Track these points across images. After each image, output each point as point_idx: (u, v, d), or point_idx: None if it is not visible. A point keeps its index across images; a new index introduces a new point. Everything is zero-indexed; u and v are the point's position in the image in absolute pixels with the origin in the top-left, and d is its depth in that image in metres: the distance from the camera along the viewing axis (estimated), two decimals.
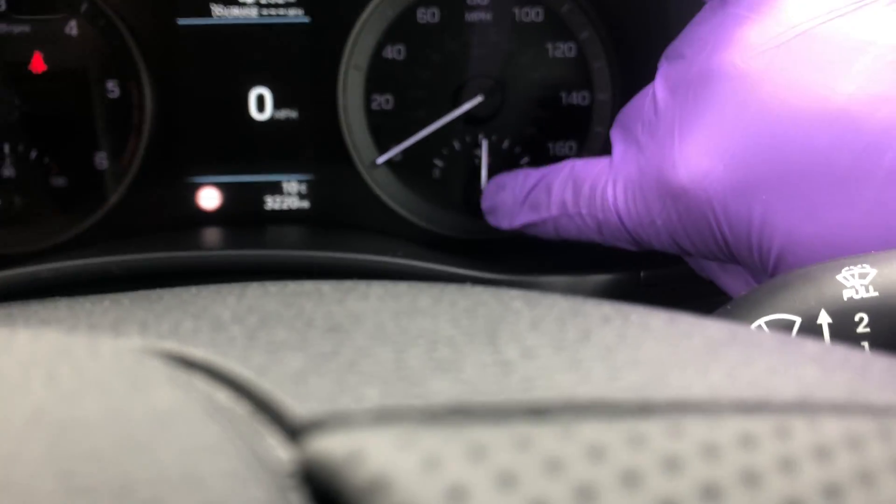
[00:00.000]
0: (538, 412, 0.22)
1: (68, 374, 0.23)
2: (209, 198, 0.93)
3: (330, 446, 0.20)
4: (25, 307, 0.35)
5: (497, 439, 0.20)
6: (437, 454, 0.20)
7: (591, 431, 0.21)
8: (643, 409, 0.22)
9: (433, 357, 0.26)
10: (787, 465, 0.21)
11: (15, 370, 0.23)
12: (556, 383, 0.24)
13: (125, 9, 0.90)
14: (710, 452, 0.21)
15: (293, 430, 0.22)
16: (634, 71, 0.93)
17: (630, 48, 0.92)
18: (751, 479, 0.21)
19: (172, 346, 0.26)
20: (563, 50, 0.92)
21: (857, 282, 0.47)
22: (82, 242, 0.91)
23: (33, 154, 0.91)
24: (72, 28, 0.90)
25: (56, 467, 0.19)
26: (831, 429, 0.23)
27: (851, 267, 0.47)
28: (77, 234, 0.91)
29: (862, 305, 0.46)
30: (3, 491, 0.18)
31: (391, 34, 0.92)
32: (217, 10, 0.91)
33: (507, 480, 0.19)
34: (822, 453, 0.22)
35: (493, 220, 0.83)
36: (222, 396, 0.24)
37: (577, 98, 0.93)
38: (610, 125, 0.93)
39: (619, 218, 0.67)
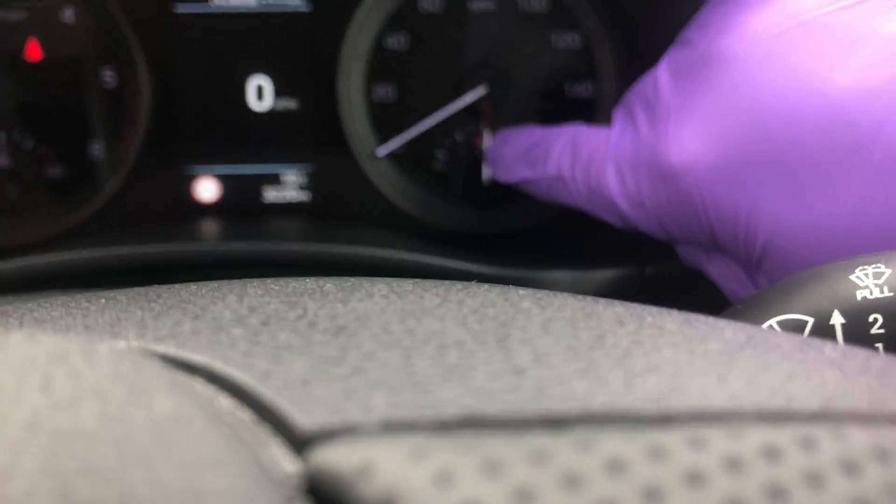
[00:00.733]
0: (554, 424, 0.21)
1: (64, 380, 0.22)
2: (207, 189, 0.92)
3: (337, 459, 0.20)
4: (20, 304, 0.34)
5: (512, 453, 0.20)
6: (450, 469, 0.19)
7: (611, 444, 0.20)
8: (663, 420, 0.22)
9: (442, 362, 0.25)
10: (814, 479, 0.21)
11: (9, 376, 0.22)
12: (572, 392, 0.23)
13: None
14: (733, 466, 0.20)
15: (299, 442, 0.21)
16: (639, 62, 0.92)
17: (635, 39, 0.91)
18: (777, 493, 0.20)
19: (172, 349, 0.26)
20: (567, 40, 0.91)
21: (871, 281, 0.46)
22: (78, 233, 0.90)
23: (28, 143, 0.90)
24: (68, 15, 0.89)
25: (53, 481, 0.18)
26: (857, 439, 0.22)
27: (865, 266, 0.47)
28: (73, 225, 0.90)
29: (876, 306, 0.45)
30: None
31: (393, 23, 0.91)
32: None
33: (523, 497, 0.19)
34: (849, 466, 0.21)
35: (493, 172, 0.83)
36: (224, 402, 0.23)
37: (581, 89, 0.92)
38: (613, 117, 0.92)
39: (610, 193, 0.67)
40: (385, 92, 0.92)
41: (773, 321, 0.47)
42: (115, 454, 0.19)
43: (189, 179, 0.92)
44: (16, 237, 0.90)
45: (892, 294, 0.46)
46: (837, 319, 0.46)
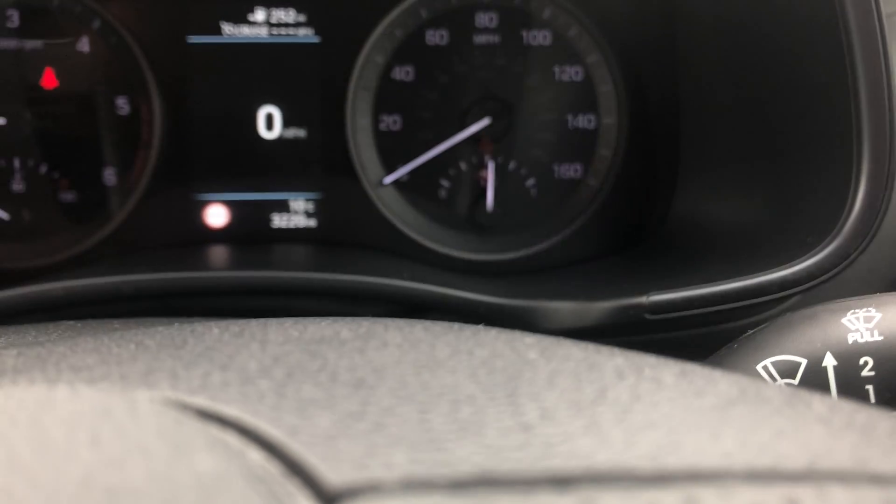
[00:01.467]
0: (560, 483, 0.23)
1: (111, 437, 0.24)
2: (216, 215, 0.94)
3: None
4: (52, 348, 0.36)
5: None
6: None
7: (611, 502, 0.22)
8: (660, 480, 0.24)
9: (456, 418, 0.27)
10: None
11: (59, 431, 0.24)
12: (576, 449, 0.25)
13: (136, 26, 0.91)
14: None
15: (327, 497, 0.23)
16: (641, 95, 0.94)
17: (637, 73, 0.94)
18: None
19: (205, 402, 0.28)
20: (570, 73, 0.94)
21: (862, 325, 0.48)
22: (90, 258, 0.92)
23: (43, 169, 0.92)
24: (83, 45, 0.91)
25: None
26: (838, 500, 0.24)
27: (857, 310, 0.49)
28: (85, 250, 0.92)
29: (867, 349, 0.47)
30: None
31: (400, 55, 0.93)
32: (227, 29, 0.92)
33: None
34: None
35: None
36: (255, 456, 0.25)
37: (584, 121, 0.95)
38: (615, 149, 0.95)
39: None
40: (392, 122, 0.94)
41: (767, 362, 0.49)
42: None
43: (199, 205, 0.94)
44: (30, 260, 0.92)
45: (882, 338, 0.48)
46: (830, 361, 0.48)
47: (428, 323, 0.41)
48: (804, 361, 0.48)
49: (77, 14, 0.91)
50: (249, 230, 0.94)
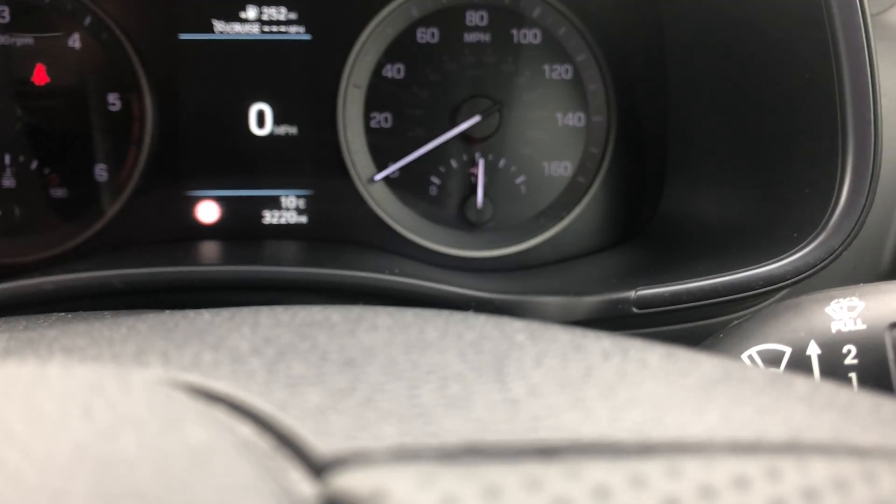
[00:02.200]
0: (546, 452, 0.23)
1: (104, 410, 0.24)
2: (208, 211, 0.94)
3: (353, 484, 0.22)
4: (44, 332, 0.37)
5: (509, 479, 0.22)
6: (455, 494, 0.21)
7: (596, 472, 0.23)
8: (644, 450, 0.24)
9: (444, 394, 0.28)
10: None
11: (52, 405, 0.25)
12: (562, 423, 0.26)
13: (128, 23, 0.91)
14: (706, 493, 0.23)
15: (317, 467, 0.23)
16: (629, 94, 0.95)
17: (625, 72, 0.94)
18: None
19: (196, 379, 0.28)
20: (559, 72, 0.94)
21: (845, 314, 0.49)
22: (81, 253, 0.92)
23: (34, 165, 0.92)
24: (75, 41, 0.91)
25: (103, 502, 0.20)
26: (819, 470, 0.24)
27: (840, 300, 0.49)
28: (76, 245, 0.92)
29: (850, 338, 0.48)
30: None
31: (391, 53, 0.93)
32: (219, 26, 0.92)
33: None
34: (811, 495, 0.24)
35: None
36: (245, 430, 0.26)
37: (573, 119, 0.95)
38: (604, 146, 0.95)
39: None
40: (383, 119, 0.95)
41: (752, 350, 0.49)
42: (156, 479, 0.21)
43: (190, 201, 0.94)
44: (21, 256, 0.92)
45: (865, 326, 0.48)
46: (813, 350, 0.49)
47: (417, 309, 0.41)
48: (789, 350, 0.49)
49: (68, 10, 0.91)
50: (240, 226, 0.95)
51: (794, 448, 0.25)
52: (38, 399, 0.25)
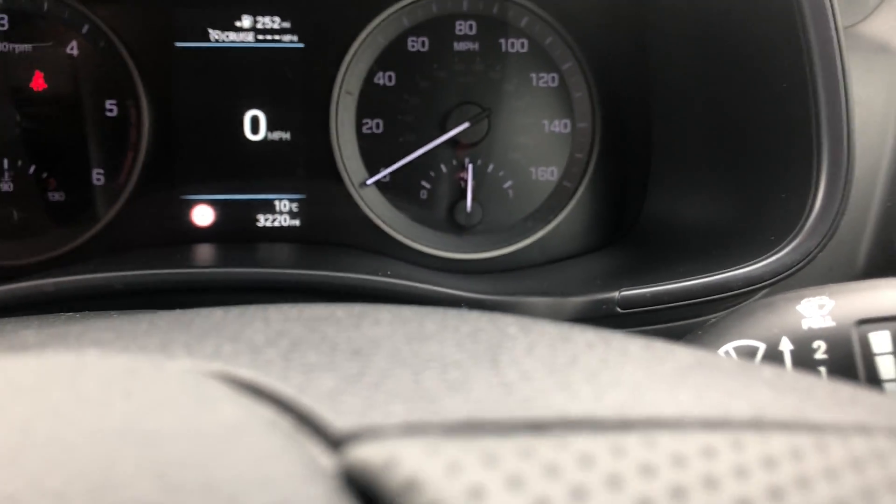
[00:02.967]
0: (537, 427, 0.27)
1: (143, 393, 0.28)
2: (203, 215, 0.97)
3: (368, 454, 0.25)
4: (69, 327, 0.40)
5: (505, 449, 0.25)
6: (458, 461, 0.25)
7: (581, 443, 0.26)
8: (622, 426, 0.27)
9: (445, 379, 0.31)
10: (741, 472, 0.26)
11: (95, 390, 0.28)
12: (551, 402, 0.29)
13: (125, 31, 0.94)
14: (678, 461, 0.26)
15: (334, 441, 0.26)
16: (613, 101, 0.99)
17: (610, 80, 0.98)
18: (710, 483, 0.26)
19: (219, 366, 0.31)
20: (546, 80, 0.98)
21: (815, 312, 0.52)
22: (79, 256, 0.95)
23: (32, 169, 0.95)
24: (73, 48, 0.94)
25: (150, 470, 0.23)
26: (778, 443, 0.28)
27: (811, 298, 0.53)
28: (74, 248, 0.95)
29: (820, 334, 0.51)
30: (110, 490, 0.23)
31: (382, 61, 0.97)
32: (214, 35, 0.96)
33: (514, 483, 0.24)
34: (770, 462, 0.27)
35: None
36: (266, 412, 0.29)
37: (559, 126, 0.99)
38: (589, 152, 0.99)
39: None
40: (374, 125, 0.98)
41: (728, 346, 0.53)
42: (196, 450, 0.24)
43: (186, 205, 0.97)
44: (20, 259, 0.95)
45: (834, 323, 0.52)
46: (786, 346, 0.52)
47: (415, 306, 0.44)
48: (763, 346, 0.53)
49: (66, 19, 0.94)
50: (235, 229, 0.98)
51: (757, 424, 0.29)
52: (80, 382, 0.28)
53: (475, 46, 0.97)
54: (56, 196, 0.96)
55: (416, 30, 0.97)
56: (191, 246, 0.96)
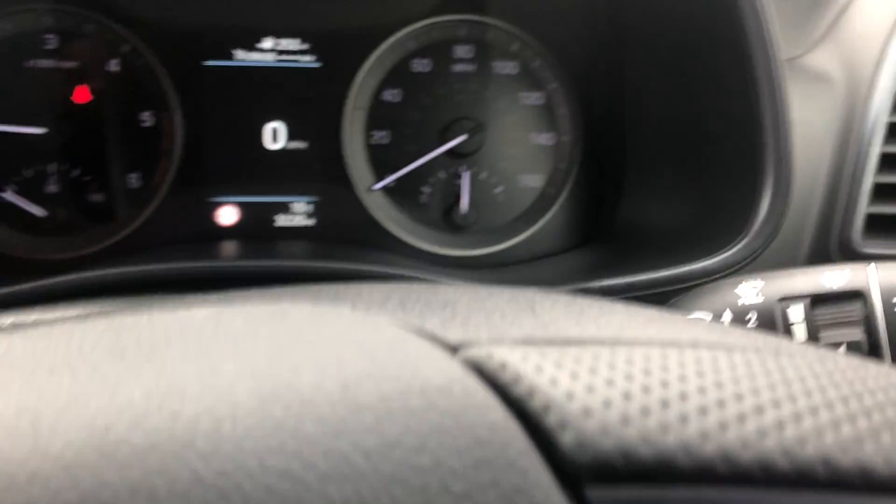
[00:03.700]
0: (582, 342, 0.51)
1: (343, 337, 0.51)
2: (227, 215, 1.20)
3: (477, 353, 0.49)
4: (261, 299, 0.63)
5: (579, 355, 0.49)
6: (526, 355, 0.49)
7: (591, 348, 0.50)
8: (618, 342, 0.52)
9: (506, 319, 0.55)
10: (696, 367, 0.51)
11: (320, 337, 0.52)
12: (571, 332, 0.53)
13: (160, 50, 1.17)
14: (647, 359, 0.51)
15: (452, 348, 0.50)
16: (594, 117, 1.24)
17: (590, 99, 1.23)
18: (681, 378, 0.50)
19: (380, 316, 0.55)
20: (533, 98, 1.23)
21: (750, 291, 0.77)
22: (117, 252, 1.17)
23: (75, 173, 1.17)
24: (113, 66, 1.17)
25: (334, 382, 0.47)
26: (705, 354, 0.53)
27: (747, 282, 0.78)
28: (112, 244, 1.18)
29: (752, 308, 0.76)
30: (302, 404, 0.46)
31: (390, 80, 1.21)
32: (238, 55, 1.19)
33: (575, 375, 0.48)
34: (699, 361, 0.52)
35: None
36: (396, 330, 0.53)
37: (544, 139, 1.24)
38: (570, 162, 1.24)
39: None
40: (381, 137, 1.22)
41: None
42: (378, 358, 0.48)
43: (212, 206, 1.20)
44: (64, 254, 1.17)
45: (763, 299, 0.77)
46: (727, 317, 0.77)
47: (489, 287, 0.69)
48: (710, 316, 0.78)
49: (108, 39, 1.16)
50: (256, 228, 1.21)
51: (695, 344, 0.53)
52: (303, 328, 0.52)
53: (471, 68, 1.22)
54: (96, 198, 1.18)
55: (419, 52, 1.21)
56: (216, 243, 1.19)
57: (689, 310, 0.79)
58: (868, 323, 0.75)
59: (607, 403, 0.44)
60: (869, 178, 1.10)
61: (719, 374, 0.49)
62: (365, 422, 0.41)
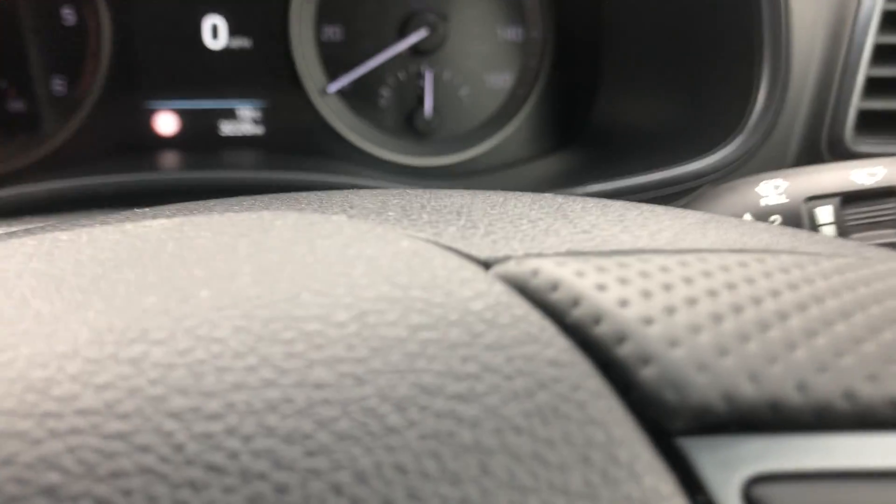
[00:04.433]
0: (624, 252, 0.42)
1: (374, 247, 0.41)
2: (166, 123, 1.08)
3: (511, 267, 0.40)
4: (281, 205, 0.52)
5: (608, 265, 0.40)
6: (580, 269, 0.40)
7: (655, 261, 0.41)
8: (678, 251, 0.43)
9: (537, 227, 0.46)
10: (767, 275, 0.42)
11: (327, 244, 0.41)
12: (621, 240, 0.44)
13: None
14: (724, 268, 0.42)
15: (485, 264, 0.41)
16: (564, 10, 1.13)
17: None
18: (749, 279, 0.42)
19: (401, 229, 0.45)
20: None
21: (772, 191, 0.69)
22: (43, 166, 1.04)
23: None
24: None
25: (374, 279, 0.37)
26: (779, 261, 0.44)
27: (768, 181, 0.70)
28: (40, 158, 1.05)
29: (776, 209, 0.68)
30: (307, 342, 0.36)
31: None
32: None
33: (604, 287, 0.39)
34: (783, 270, 0.43)
35: None
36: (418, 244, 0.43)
37: (512, 34, 1.13)
38: (541, 60, 1.13)
39: None
40: (333, 32, 1.10)
41: None
42: (400, 268, 0.38)
43: (149, 113, 1.07)
44: None
45: (787, 200, 0.69)
46: (748, 218, 0.69)
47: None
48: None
49: None
50: (199, 137, 1.09)
51: (767, 251, 0.45)
52: (311, 239, 0.42)
53: None
54: (16, 106, 1.04)
55: None
56: (155, 153, 1.07)
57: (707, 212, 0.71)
58: None
59: (695, 328, 0.35)
60: (862, 72, 1.02)
61: (813, 285, 0.41)
62: (392, 363, 0.31)
